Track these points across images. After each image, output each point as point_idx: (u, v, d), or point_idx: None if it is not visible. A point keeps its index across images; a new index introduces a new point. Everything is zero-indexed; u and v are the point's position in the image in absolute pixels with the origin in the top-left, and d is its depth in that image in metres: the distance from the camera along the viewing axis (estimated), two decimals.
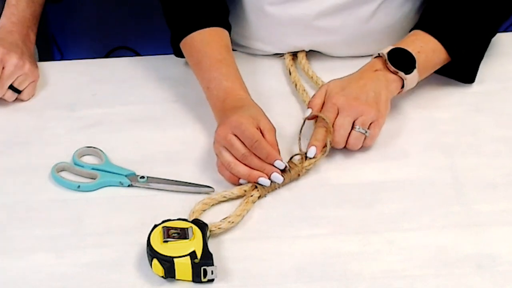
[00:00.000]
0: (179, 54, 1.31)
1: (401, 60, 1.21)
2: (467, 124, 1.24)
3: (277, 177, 1.12)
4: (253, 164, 1.12)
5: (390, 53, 1.21)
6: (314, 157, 1.16)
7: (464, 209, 1.11)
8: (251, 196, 1.12)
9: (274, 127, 1.15)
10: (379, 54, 1.22)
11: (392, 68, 1.20)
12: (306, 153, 1.16)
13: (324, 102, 1.19)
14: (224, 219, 1.08)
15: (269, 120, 1.15)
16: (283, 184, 1.14)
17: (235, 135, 1.12)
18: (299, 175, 1.15)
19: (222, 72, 1.21)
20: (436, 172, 1.17)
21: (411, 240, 1.07)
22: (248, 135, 1.11)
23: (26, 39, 1.36)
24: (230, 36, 1.29)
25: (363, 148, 1.19)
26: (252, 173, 1.12)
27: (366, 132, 1.16)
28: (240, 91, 1.20)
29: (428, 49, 1.23)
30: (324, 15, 1.29)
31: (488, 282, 1.01)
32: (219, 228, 1.07)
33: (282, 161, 1.13)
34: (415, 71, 1.21)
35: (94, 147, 1.22)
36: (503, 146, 1.20)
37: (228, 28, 1.29)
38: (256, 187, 1.13)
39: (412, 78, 1.22)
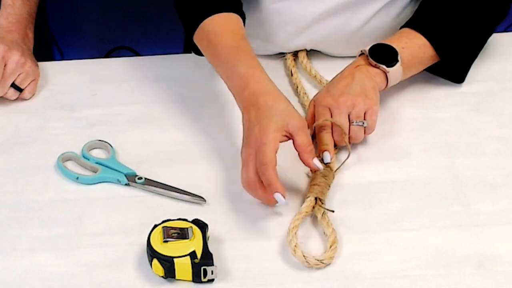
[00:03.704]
0: (197, 51, 1.26)
1: (383, 55, 1.22)
2: (467, 124, 1.24)
3: (280, 199, 1.06)
4: (257, 194, 1.08)
5: (372, 48, 1.22)
6: (331, 162, 1.15)
7: (464, 209, 1.11)
8: (323, 213, 1.09)
9: (304, 121, 1.11)
10: (362, 51, 1.23)
11: (373, 62, 1.21)
12: (322, 159, 1.16)
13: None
14: (325, 253, 1.05)
15: (298, 115, 1.10)
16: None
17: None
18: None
19: (238, 58, 1.16)
20: (436, 172, 1.17)
21: (411, 240, 1.07)
22: (260, 157, 1.06)
23: (25, 38, 1.36)
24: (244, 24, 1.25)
25: (365, 143, 1.20)
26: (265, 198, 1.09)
27: (363, 123, 1.17)
28: (259, 77, 1.13)
29: (413, 45, 1.24)
30: (327, 14, 1.29)
31: (488, 282, 1.01)
32: (323, 263, 1.04)
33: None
34: (398, 64, 1.22)
35: (105, 141, 1.22)
36: (503, 146, 1.20)
37: (242, 16, 1.24)
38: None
39: (395, 72, 1.22)
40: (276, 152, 1.07)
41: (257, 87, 1.12)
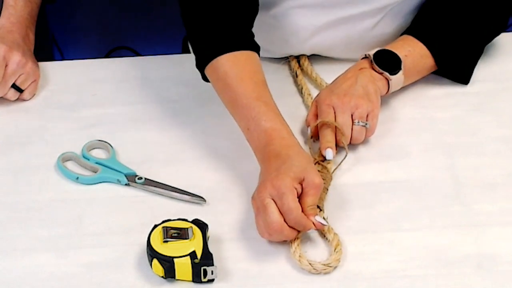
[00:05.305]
0: (206, 78, 1.21)
1: (386, 61, 1.23)
2: (467, 124, 1.24)
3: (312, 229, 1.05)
4: (283, 234, 1.03)
5: (376, 54, 1.23)
6: (332, 159, 1.16)
7: (464, 209, 1.11)
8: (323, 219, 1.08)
9: (320, 181, 1.06)
10: (366, 55, 1.24)
11: (377, 69, 1.22)
12: (324, 157, 1.16)
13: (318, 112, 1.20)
14: (331, 256, 1.05)
15: (317, 173, 1.06)
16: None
17: (274, 200, 1.03)
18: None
19: (260, 110, 1.12)
20: (436, 172, 1.17)
21: (411, 240, 1.07)
22: (287, 209, 1.02)
23: (26, 39, 1.36)
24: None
25: (365, 143, 1.20)
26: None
27: (366, 124, 1.18)
28: (282, 133, 1.10)
29: (415, 54, 1.25)
30: (329, 25, 1.29)
31: (488, 282, 1.01)
32: (330, 266, 1.04)
33: (315, 226, 1.05)
34: (400, 72, 1.23)
35: (105, 141, 1.23)
36: (503, 146, 1.20)
37: (257, 49, 1.20)
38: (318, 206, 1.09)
39: (397, 80, 1.23)
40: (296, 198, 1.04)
41: (280, 143, 1.09)
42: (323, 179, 1.12)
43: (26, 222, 1.12)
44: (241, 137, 1.15)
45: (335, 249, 1.05)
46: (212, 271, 1.01)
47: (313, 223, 1.04)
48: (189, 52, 1.32)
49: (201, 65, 1.20)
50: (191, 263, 1.01)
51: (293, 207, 1.02)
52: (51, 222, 1.12)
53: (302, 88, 1.31)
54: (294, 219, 1.02)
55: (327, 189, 1.13)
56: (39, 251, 1.08)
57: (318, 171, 1.13)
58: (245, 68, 1.17)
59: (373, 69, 1.22)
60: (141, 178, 1.17)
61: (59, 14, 2.13)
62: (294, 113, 1.27)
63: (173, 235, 1.02)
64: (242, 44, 1.18)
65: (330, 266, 1.03)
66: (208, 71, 1.19)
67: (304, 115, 1.26)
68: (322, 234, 1.08)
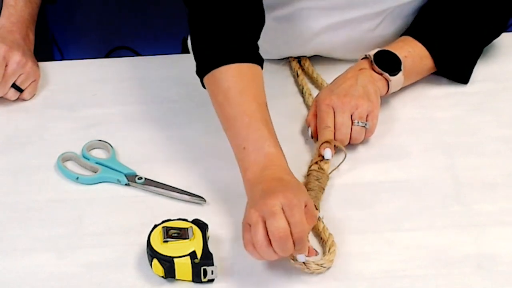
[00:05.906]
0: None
1: (386, 62, 1.23)
2: (467, 124, 1.24)
3: (301, 257, 1.02)
4: (286, 246, 0.98)
5: (377, 54, 1.23)
6: (329, 159, 1.16)
7: (464, 209, 1.11)
8: (318, 218, 1.08)
9: (317, 215, 1.05)
10: (366, 55, 1.24)
11: (378, 69, 1.22)
12: (323, 156, 1.16)
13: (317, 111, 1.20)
14: (324, 256, 1.04)
15: (314, 205, 1.04)
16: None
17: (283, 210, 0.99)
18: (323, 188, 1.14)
19: (263, 134, 1.08)
20: (436, 172, 1.17)
21: (411, 240, 1.07)
22: (295, 221, 0.97)
23: (26, 39, 1.36)
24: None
25: (364, 143, 1.20)
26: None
27: (365, 124, 1.18)
28: (283, 161, 1.07)
29: (415, 55, 1.25)
30: (329, 28, 1.29)
31: (488, 282, 1.01)
32: (323, 267, 1.03)
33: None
34: (400, 73, 1.23)
35: (105, 141, 1.23)
36: (503, 146, 1.20)
37: (261, 62, 1.15)
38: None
39: (397, 81, 1.23)
40: None
41: (281, 169, 1.06)
42: (319, 179, 1.12)
43: (26, 222, 1.12)
44: None
45: (329, 249, 1.05)
46: (212, 271, 1.01)
47: (309, 247, 1.02)
48: (189, 52, 1.32)
49: (202, 72, 1.16)
50: (191, 263, 1.01)
51: (303, 221, 0.98)
52: (51, 222, 1.12)
53: (303, 88, 1.31)
54: (299, 232, 0.98)
55: (323, 189, 1.13)
56: (39, 251, 1.08)
57: (316, 170, 1.14)
58: (249, 84, 1.12)
59: (373, 69, 1.23)
60: (141, 178, 1.17)
61: (59, 14, 2.13)
62: (294, 113, 1.27)
63: (173, 235, 1.02)
64: (247, 56, 1.14)
65: (324, 267, 1.03)
66: (207, 79, 1.15)
67: (305, 115, 1.26)
68: (317, 234, 1.08)
